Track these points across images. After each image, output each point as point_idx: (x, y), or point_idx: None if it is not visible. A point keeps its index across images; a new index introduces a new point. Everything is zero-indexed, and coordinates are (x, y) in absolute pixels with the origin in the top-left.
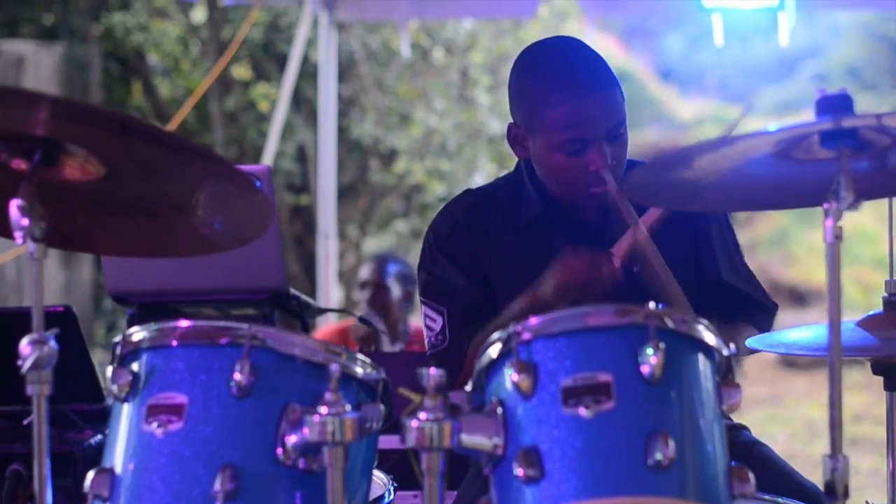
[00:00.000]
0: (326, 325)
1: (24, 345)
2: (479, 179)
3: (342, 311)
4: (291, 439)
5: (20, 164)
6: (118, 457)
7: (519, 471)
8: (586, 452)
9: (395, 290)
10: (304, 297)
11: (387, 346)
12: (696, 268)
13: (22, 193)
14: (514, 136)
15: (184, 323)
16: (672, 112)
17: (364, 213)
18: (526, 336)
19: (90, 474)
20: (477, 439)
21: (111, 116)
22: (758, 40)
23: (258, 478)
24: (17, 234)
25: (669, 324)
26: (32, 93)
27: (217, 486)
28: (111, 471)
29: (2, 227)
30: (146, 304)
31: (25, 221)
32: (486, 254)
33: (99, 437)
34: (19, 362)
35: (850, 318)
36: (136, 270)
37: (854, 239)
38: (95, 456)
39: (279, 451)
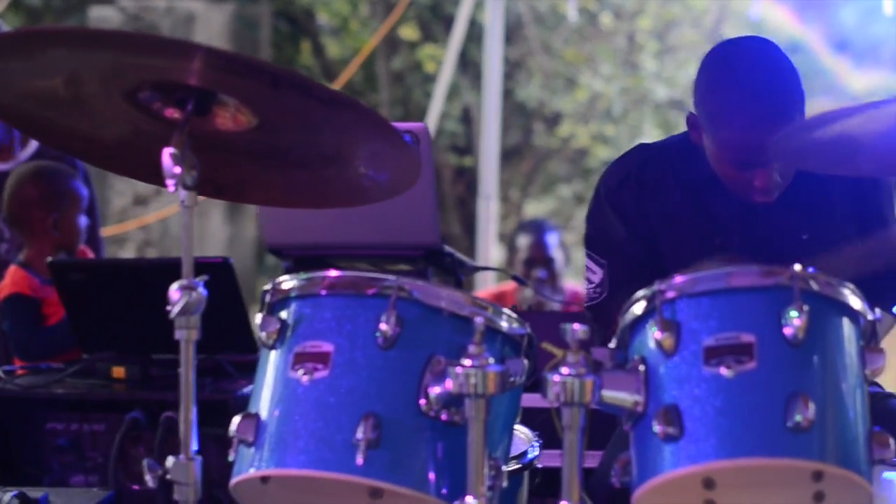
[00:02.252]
0: (485, 289)
1: (174, 290)
2: None
3: (497, 270)
4: (435, 390)
5: (173, 114)
6: (264, 402)
7: (658, 428)
8: (726, 412)
9: (559, 260)
10: (459, 255)
11: None
12: (864, 235)
13: (174, 142)
14: (693, 125)
15: (332, 272)
16: (845, 84)
17: (527, 177)
18: (670, 294)
19: (236, 419)
20: (618, 396)
21: (262, 67)
22: None
23: (400, 427)
24: (170, 182)
25: (814, 286)
26: (186, 42)
27: (360, 434)
28: (257, 416)
29: (157, 175)
30: (302, 257)
31: (178, 169)
32: (654, 208)
33: (251, 386)
34: (168, 308)
35: None
36: (292, 223)
37: None
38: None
39: (422, 401)
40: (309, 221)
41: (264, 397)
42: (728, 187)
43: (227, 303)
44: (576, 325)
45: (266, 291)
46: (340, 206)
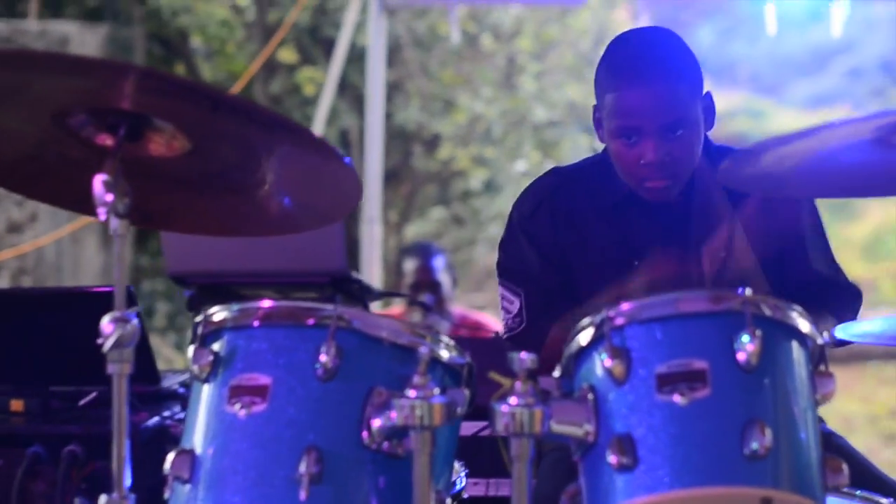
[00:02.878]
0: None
1: (106, 322)
2: (522, 167)
3: (402, 296)
4: (377, 422)
5: (105, 140)
6: (199, 438)
7: (612, 458)
8: (681, 440)
9: (447, 284)
10: (366, 282)
11: None
12: (787, 257)
13: (107, 168)
14: (597, 119)
15: (266, 303)
16: None
17: (406, 199)
18: (619, 321)
19: (170, 455)
20: (568, 426)
21: (203, 91)
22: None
23: (343, 461)
24: (101, 210)
25: (766, 311)
26: (119, 64)
27: (302, 468)
28: (192, 452)
29: (82, 203)
30: (206, 285)
31: (110, 197)
32: (568, 234)
33: (155, 418)
34: (100, 340)
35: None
36: (197, 250)
37: (889, 234)
38: (152, 438)
39: (364, 434)
40: (213, 248)
41: (199, 432)
42: (625, 180)
43: None
44: (523, 355)
45: (198, 323)
46: (275, 234)
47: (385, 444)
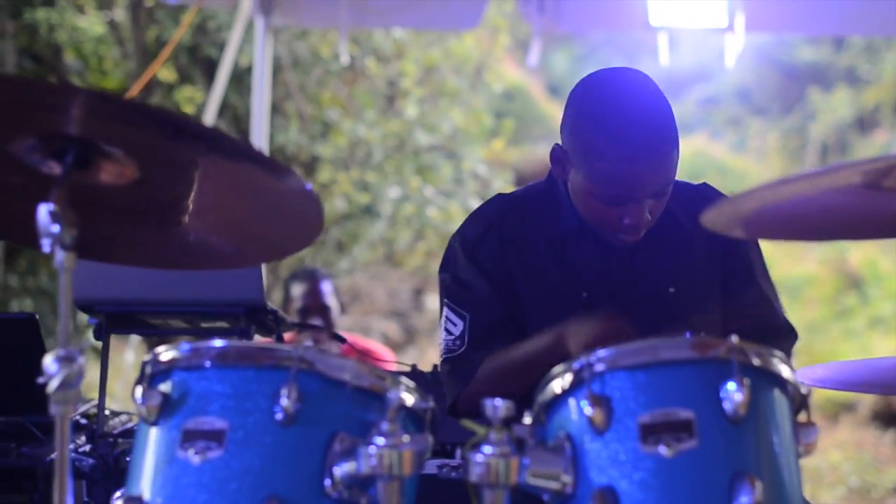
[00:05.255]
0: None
1: (50, 361)
2: (399, 192)
3: (318, 328)
4: (340, 470)
5: (52, 167)
6: (148, 484)
7: None
8: (668, 494)
9: (335, 308)
10: (281, 313)
11: None
12: (729, 292)
13: (54, 198)
14: (557, 158)
15: (218, 343)
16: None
17: None
18: (599, 367)
19: (118, 502)
20: (545, 477)
21: (162, 116)
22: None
23: None
24: (45, 242)
25: (753, 359)
26: (66, 86)
27: None
28: (139, 500)
29: (23, 234)
30: (113, 314)
31: (56, 228)
32: (516, 263)
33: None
34: (42, 379)
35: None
36: (104, 278)
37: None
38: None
39: (327, 482)
40: (122, 276)
41: (147, 478)
42: (593, 226)
43: (32, 361)
44: (497, 402)
45: (146, 362)
46: (226, 267)
47: (348, 494)
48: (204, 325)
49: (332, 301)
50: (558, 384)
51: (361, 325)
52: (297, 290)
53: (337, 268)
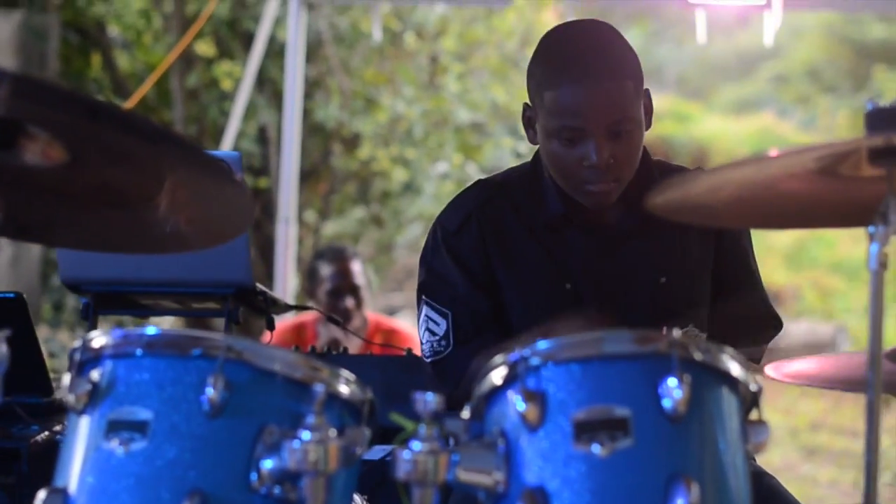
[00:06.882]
0: (281, 321)
1: None
2: (443, 168)
3: (311, 309)
4: (267, 464)
5: None
6: (73, 476)
7: None
8: (600, 495)
9: (365, 286)
10: (271, 294)
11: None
12: (722, 281)
13: None
14: (527, 118)
15: (150, 330)
16: None
17: (324, 199)
18: (535, 361)
19: (41, 494)
20: (476, 474)
21: (80, 99)
22: (719, 38)
23: None
24: None
25: (696, 354)
26: None
27: None
28: (64, 491)
29: None
30: (102, 293)
31: None
32: (497, 254)
33: (47, 433)
34: None
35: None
36: (92, 258)
37: (812, 243)
38: (42, 453)
39: (253, 477)
40: (110, 256)
41: (73, 470)
42: (562, 185)
43: (20, 342)
44: (429, 395)
45: (75, 349)
46: (158, 252)
47: (276, 489)
48: (196, 305)
49: (362, 280)
50: (496, 376)
51: (412, 301)
52: (326, 270)
53: (379, 242)
